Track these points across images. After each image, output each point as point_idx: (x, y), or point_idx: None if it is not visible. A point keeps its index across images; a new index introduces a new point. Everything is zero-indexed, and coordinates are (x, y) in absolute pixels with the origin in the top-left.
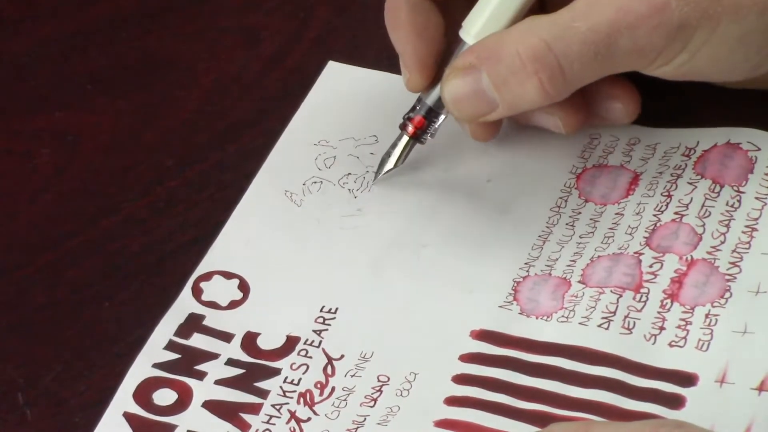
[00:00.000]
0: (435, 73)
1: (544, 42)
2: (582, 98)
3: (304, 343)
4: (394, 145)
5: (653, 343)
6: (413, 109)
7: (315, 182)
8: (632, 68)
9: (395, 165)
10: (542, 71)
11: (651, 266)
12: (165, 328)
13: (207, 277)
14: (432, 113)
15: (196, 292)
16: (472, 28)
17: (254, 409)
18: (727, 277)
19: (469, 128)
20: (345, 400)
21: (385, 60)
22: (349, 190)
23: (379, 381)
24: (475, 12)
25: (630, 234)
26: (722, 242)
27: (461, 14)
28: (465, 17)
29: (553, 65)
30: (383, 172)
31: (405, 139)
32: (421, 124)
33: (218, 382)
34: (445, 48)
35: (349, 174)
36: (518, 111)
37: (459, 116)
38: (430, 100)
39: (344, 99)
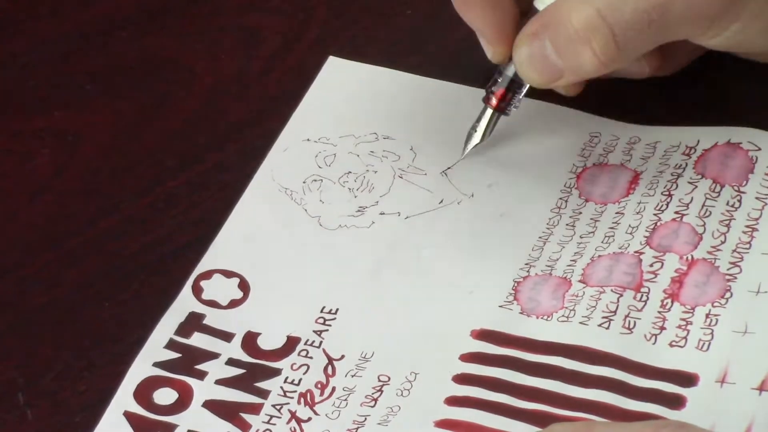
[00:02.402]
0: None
1: (597, 11)
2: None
3: (305, 344)
4: (479, 119)
5: (654, 343)
6: (494, 82)
7: (315, 180)
8: (685, 36)
9: (482, 139)
10: (595, 40)
11: (651, 265)
12: (165, 327)
13: (207, 275)
14: (514, 84)
15: (197, 291)
16: None
17: (255, 409)
18: (728, 277)
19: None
20: (345, 400)
21: (386, 61)
22: (349, 189)
23: (379, 381)
24: None
25: (630, 233)
26: (723, 242)
27: None
28: None
29: (606, 35)
30: (471, 147)
31: (489, 111)
32: (503, 95)
33: (219, 382)
34: (520, 15)
35: (349, 173)
36: (582, 78)
37: (531, 82)
38: (510, 71)
39: (344, 95)
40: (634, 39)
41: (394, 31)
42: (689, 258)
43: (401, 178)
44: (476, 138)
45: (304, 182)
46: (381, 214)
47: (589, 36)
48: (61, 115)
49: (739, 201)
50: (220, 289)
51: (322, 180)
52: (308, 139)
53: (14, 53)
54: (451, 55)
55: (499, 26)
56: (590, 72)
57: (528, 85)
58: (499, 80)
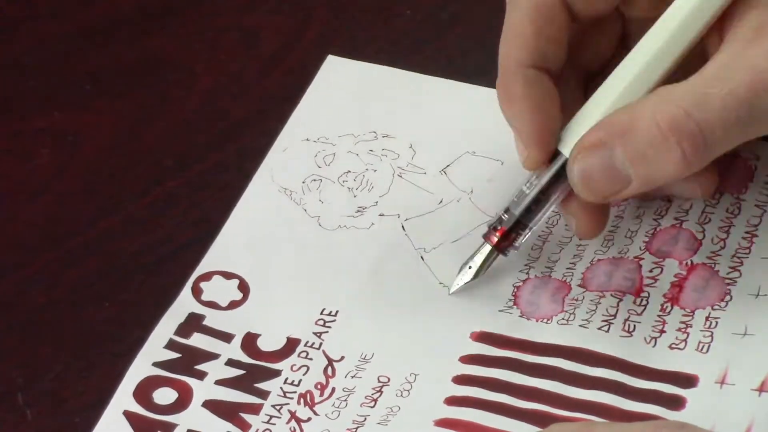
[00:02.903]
0: (553, 149)
1: (683, 110)
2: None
3: (305, 345)
4: (474, 255)
5: (653, 346)
6: (499, 219)
7: (315, 180)
8: None
9: (475, 277)
10: (685, 141)
11: (651, 271)
12: (165, 327)
13: (207, 277)
14: (520, 224)
15: (196, 292)
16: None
17: (254, 409)
18: (727, 281)
19: (577, 224)
20: (345, 400)
21: (385, 60)
22: (349, 188)
23: (379, 381)
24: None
25: (630, 238)
26: (722, 247)
27: (572, 92)
28: (576, 96)
29: (695, 133)
30: (461, 284)
31: (487, 248)
32: (505, 234)
33: (218, 383)
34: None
35: (349, 172)
36: (653, 186)
37: (589, 196)
38: (519, 210)
39: (343, 94)
40: (723, 137)
41: (394, 31)
42: (689, 263)
43: (401, 176)
44: (468, 275)
45: (303, 182)
46: (380, 215)
47: (677, 136)
48: (61, 115)
49: (739, 208)
50: (219, 290)
51: (321, 180)
52: (307, 139)
53: (14, 53)
54: (450, 55)
55: (541, 130)
56: (670, 176)
57: (532, 229)
58: (505, 218)
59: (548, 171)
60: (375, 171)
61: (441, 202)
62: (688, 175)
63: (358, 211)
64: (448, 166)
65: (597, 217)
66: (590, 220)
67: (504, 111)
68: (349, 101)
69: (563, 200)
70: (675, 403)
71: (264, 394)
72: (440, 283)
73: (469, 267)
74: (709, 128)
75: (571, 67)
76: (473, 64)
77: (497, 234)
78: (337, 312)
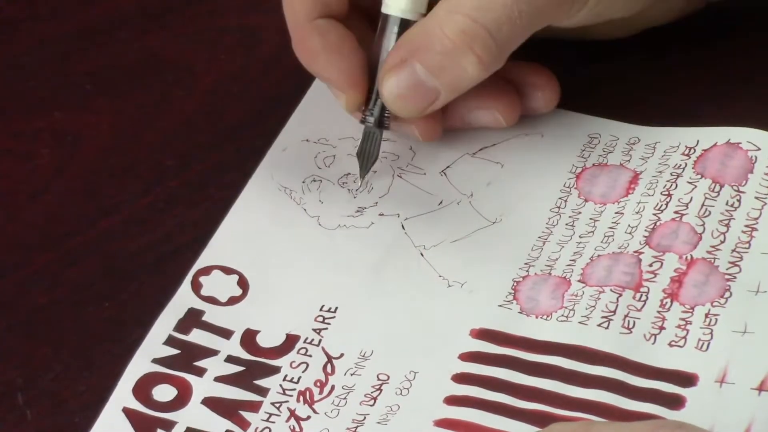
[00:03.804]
0: (367, 86)
1: (467, 16)
2: (513, 89)
3: (304, 342)
4: (362, 142)
5: (653, 343)
6: (368, 100)
7: (314, 181)
8: (555, 19)
9: (374, 160)
10: (475, 44)
11: (651, 265)
12: (164, 323)
13: (206, 271)
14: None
15: (196, 287)
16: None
17: (254, 407)
18: (727, 276)
19: (416, 129)
20: (345, 398)
21: None
22: (349, 190)
23: (378, 380)
24: None
25: (630, 233)
26: (722, 242)
27: (362, 31)
28: (367, 34)
29: (484, 35)
30: (368, 173)
31: (371, 130)
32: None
33: (218, 379)
34: (366, 61)
35: (349, 174)
36: (460, 91)
37: (404, 112)
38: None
39: None
40: (509, 33)
41: None
42: (689, 258)
43: (400, 177)
44: (368, 162)
45: (303, 182)
46: (380, 215)
47: (467, 42)
48: (61, 115)
49: (739, 201)
50: (219, 285)
51: (321, 181)
52: (307, 140)
53: (14, 53)
54: None
55: (349, 71)
56: (472, 80)
57: None
58: (372, 97)
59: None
60: (375, 172)
61: (441, 203)
62: (487, 75)
63: (357, 212)
64: (448, 167)
65: (432, 118)
66: (426, 122)
67: (309, 67)
68: None
69: (395, 116)
70: (674, 402)
71: (263, 392)
72: (440, 276)
73: (361, 154)
74: (495, 27)
75: (355, 7)
76: None
77: (372, 113)
78: (336, 308)
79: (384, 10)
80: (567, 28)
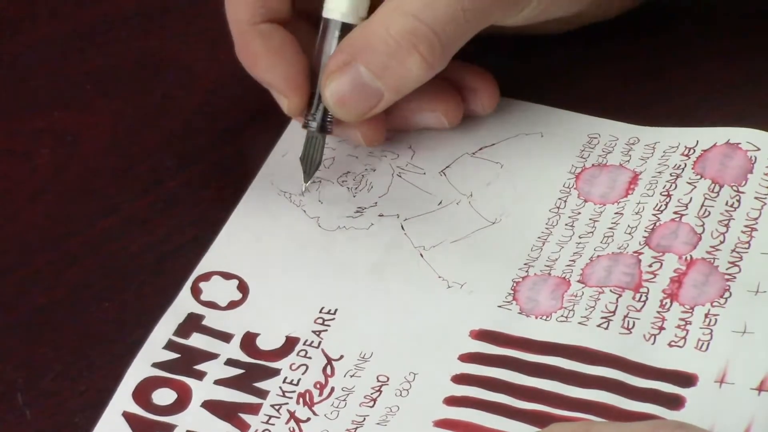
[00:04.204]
0: (309, 91)
1: (412, 16)
2: (456, 90)
3: (304, 344)
4: (306, 147)
5: (653, 343)
6: (310, 105)
7: (314, 181)
8: (499, 18)
9: (318, 165)
10: (420, 44)
11: (650, 266)
12: (164, 328)
13: (206, 277)
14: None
15: (195, 292)
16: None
17: (253, 409)
18: (727, 276)
19: (360, 133)
20: (344, 400)
21: None
22: (348, 188)
23: (378, 381)
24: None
25: (629, 233)
26: (722, 242)
27: (306, 36)
28: (310, 39)
29: (428, 35)
30: (312, 178)
31: (313, 134)
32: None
33: (218, 382)
34: (308, 65)
35: (348, 173)
36: (404, 93)
37: (346, 116)
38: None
39: None
40: (454, 32)
41: None
42: (688, 258)
43: (400, 177)
44: (312, 167)
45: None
46: (380, 216)
47: (412, 42)
48: (61, 115)
49: (738, 201)
50: (219, 290)
51: (320, 181)
52: None
53: (14, 53)
54: None
55: (291, 75)
56: (417, 80)
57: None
58: (314, 101)
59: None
60: (374, 170)
61: (440, 203)
62: (432, 75)
63: (357, 212)
64: (448, 167)
65: (375, 122)
66: (369, 125)
67: (251, 71)
68: None
69: (338, 121)
70: (674, 402)
71: (263, 394)
72: (440, 277)
73: (304, 159)
74: (440, 27)
75: (300, 12)
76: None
77: (314, 117)
78: (336, 310)
79: (325, 14)
80: (511, 26)
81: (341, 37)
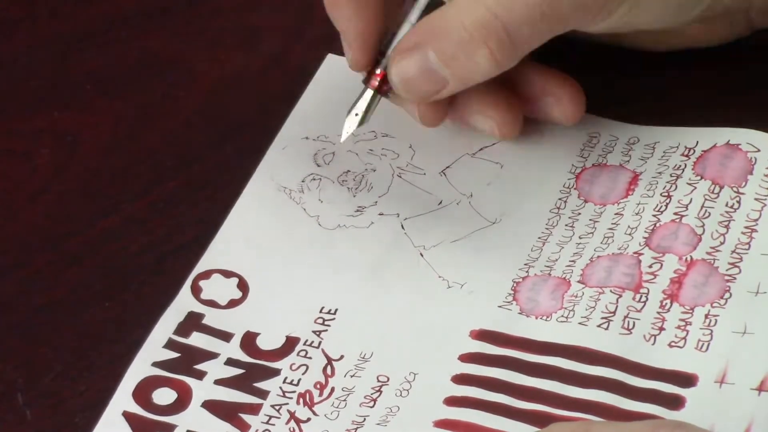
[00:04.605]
0: (376, 51)
1: (488, 11)
2: (517, 100)
3: (304, 344)
4: (357, 101)
5: (653, 344)
6: (377, 62)
7: (314, 179)
8: (578, 26)
9: (361, 122)
10: (491, 40)
11: (650, 266)
12: (164, 327)
13: (206, 275)
14: None
15: (195, 291)
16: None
17: (254, 409)
18: (727, 277)
19: (418, 112)
20: (344, 400)
21: None
22: (348, 188)
23: (378, 381)
24: None
25: (629, 234)
26: (722, 243)
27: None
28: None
29: (501, 32)
30: (351, 131)
31: (369, 93)
32: (384, 77)
33: (218, 382)
34: (387, 28)
35: (348, 171)
36: (469, 84)
37: (409, 96)
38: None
39: (343, 93)
40: (529, 34)
41: None
42: (688, 259)
43: (400, 177)
44: (354, 122)
45: (302, 181)
46: (380, 215)
47: (483, 36)
48: (61, 115)
49: (738, 202)
50: (219, 289)
51: (320, 179)
52: (307, 137)
53: (14, 53)
54: None
55: (364, 32)
56: (483, 75)
57: None
58: (382, 61)
59: (417, 7)
60: (374, 170)
61: (440, 203)
62: (500, 72)
63: (357, 211)
64: (448, 167)
65: (436, 105)
66: (429, 108)
67: (330, 13)
68: (349, 101)
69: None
70: (674, 402)
71: (263, 394)
72: (440, 277)
73: (356, 114)
74: (514, 26)
75: None
76: None
77: (377, 78)
78: (336, 310)
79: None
80: (599, 33)
81: (426, 11)
